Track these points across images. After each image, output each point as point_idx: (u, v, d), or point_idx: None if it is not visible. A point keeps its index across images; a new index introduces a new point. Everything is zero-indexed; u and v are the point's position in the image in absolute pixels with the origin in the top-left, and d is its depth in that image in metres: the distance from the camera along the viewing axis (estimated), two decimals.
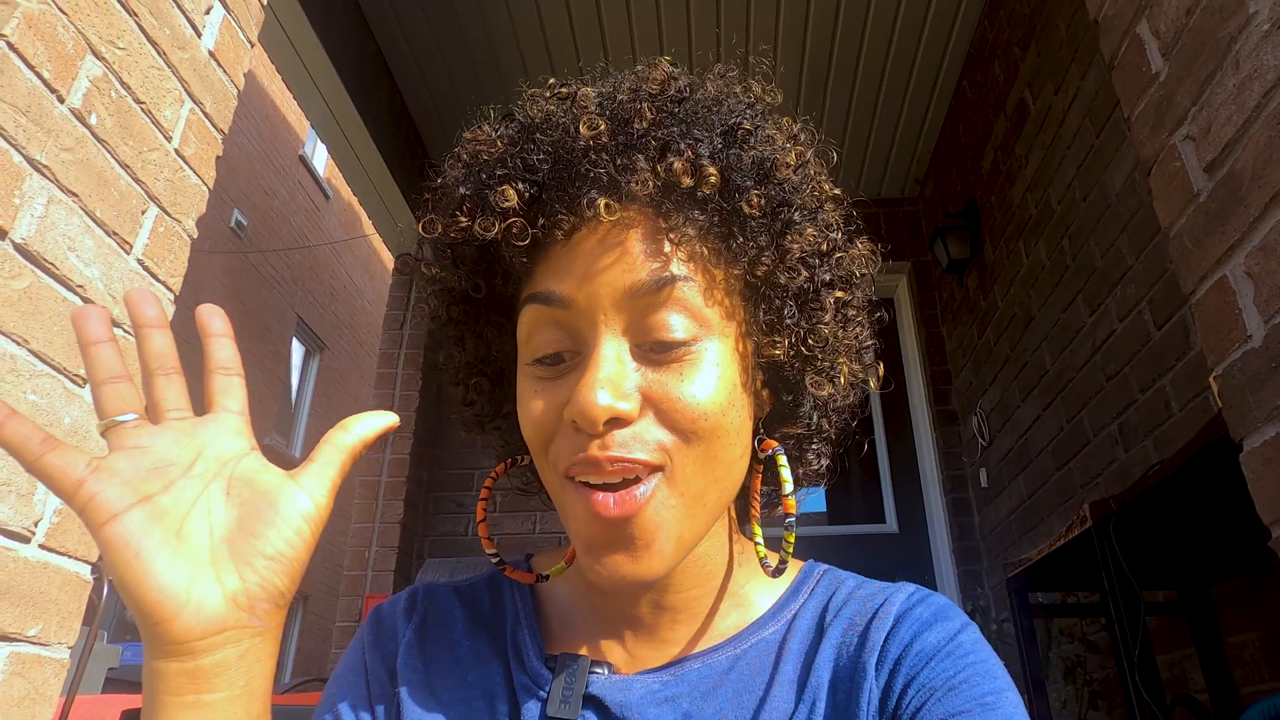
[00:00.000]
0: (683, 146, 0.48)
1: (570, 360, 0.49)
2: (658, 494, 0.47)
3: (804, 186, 0.52)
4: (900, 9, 3.28)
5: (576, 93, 0.52)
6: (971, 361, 3.60)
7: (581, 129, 0.48)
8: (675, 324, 0.47)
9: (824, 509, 3.86)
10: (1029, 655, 2.00)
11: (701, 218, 0.48)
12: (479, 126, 0.54)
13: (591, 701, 0.51)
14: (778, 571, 0.53)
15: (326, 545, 10.48)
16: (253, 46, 1.47)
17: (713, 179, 0.47)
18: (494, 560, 0.56)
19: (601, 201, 0.46)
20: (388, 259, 4.08)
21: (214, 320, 0.46)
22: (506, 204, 0.48)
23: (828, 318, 0.53)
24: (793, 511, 0.52)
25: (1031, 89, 2.92)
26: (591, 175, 0.47)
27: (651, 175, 0.47)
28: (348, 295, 11.45)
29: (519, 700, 0.52)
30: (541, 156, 0.49)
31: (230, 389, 0.45)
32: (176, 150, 1.26)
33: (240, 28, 1.43)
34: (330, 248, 10.91)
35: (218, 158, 1.37)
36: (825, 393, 0.54)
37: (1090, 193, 2.50)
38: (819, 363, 0.53)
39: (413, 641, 0.56)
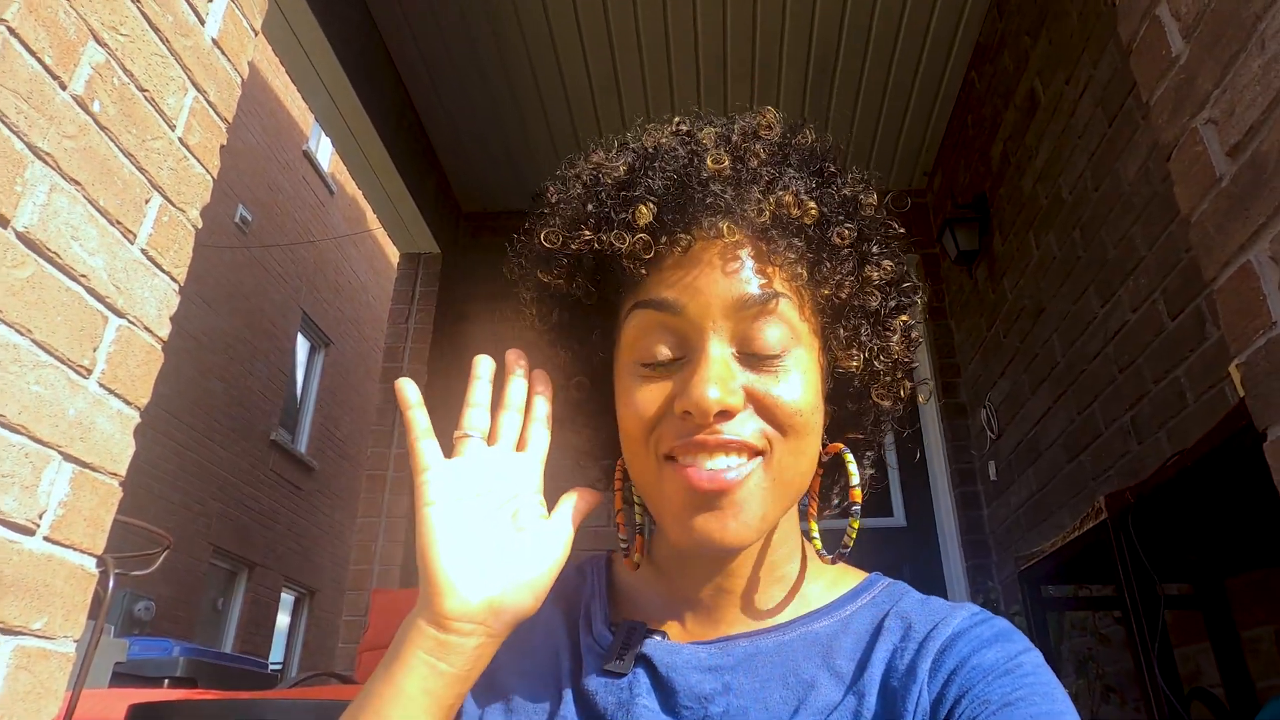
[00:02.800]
0: (788, 182, 0.56)
1: (677, 362, 0.55)
2: (754, 475, 0.54)
3: (880, 224, 0.61)
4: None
5: (697, 131, 0.61)
6: (980, 354, 3.57)
7: (709, 162, 0.56)
8: (774, 334, 0.54)
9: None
10: (1041, 649, 1.98)
11: (800, 244, 0.56)
12: (594, 152, 0.63)
13: (642, 660, 0.57)
14: (835, 559, 0.60)
15: (334, 540, 10.50)
16: (256, 35, 1.46)
17: (813, 212, 0.56)
18: (623, 546, 0.64)
19: (724, 224, 0.54)
20: (393, 254, 4.07)
21: (538, 382, 0.61)
22: (640, 220, 0.55)
23: (895, 338, 0.61)
24: (859, 500, 0.58)
25: (1042, 78, 2.89)
26: (712, 202, 0.55)
27: (765, 205, 0.55)
28: (352, 291, 11.45)
29: (582, 656, 0.60)
30: (664, 182, 0.56)
31: (540, 439, 0.59)
32: (180, 139, 1.25)
33: (244, 16, 1.41)
34: (335, 243, 10.90)
35: (222, 147, 1.36)
36: (887, 404, 0.62)
37: (1102, 183, 2.47)
38: (885, 377, 0.61)
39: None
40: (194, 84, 1.28)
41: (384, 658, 0.52)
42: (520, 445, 0.58)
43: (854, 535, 0.58)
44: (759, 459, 0.53)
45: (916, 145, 4.06)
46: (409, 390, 0.56)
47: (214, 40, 1.33)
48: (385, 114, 3.54)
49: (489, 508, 0.54)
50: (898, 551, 3.69)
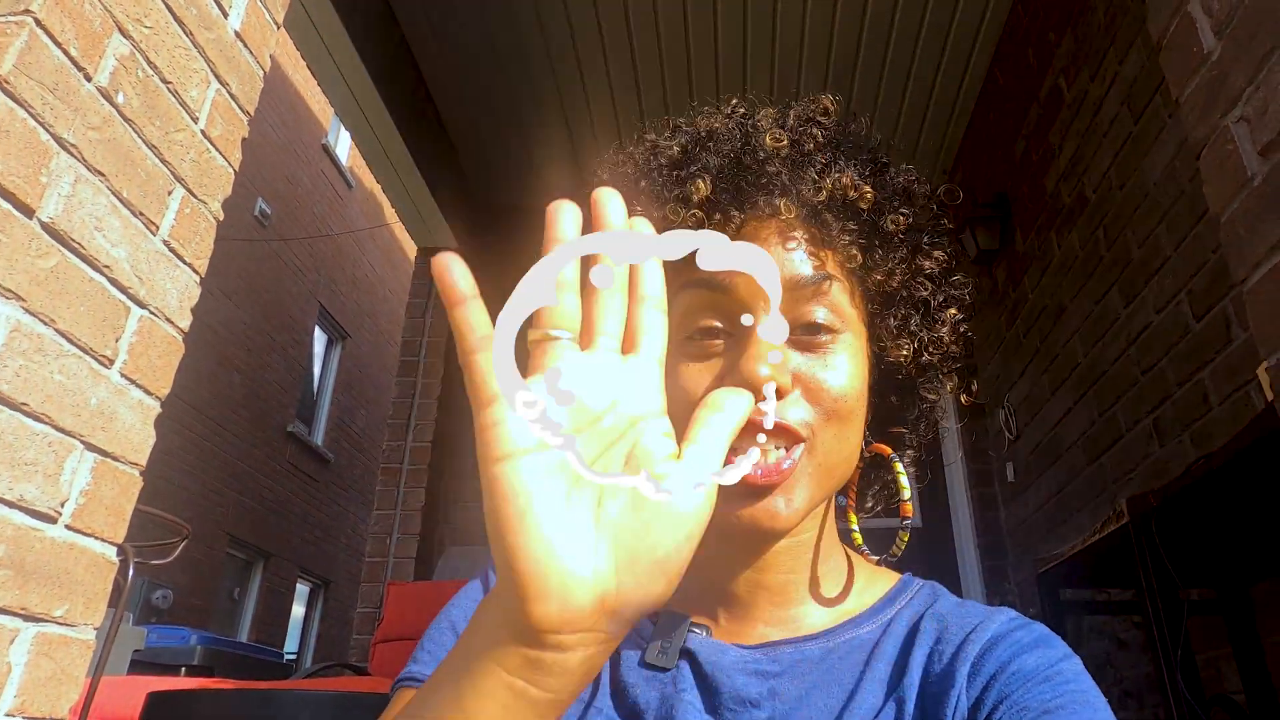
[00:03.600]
0: (844, 165, 0.56)
1: (725, 340, 0.54)
2: (801, 462, 0.52)
3: (933, 215, 0.61)
4: None
5: (753, 113, 0.60)
6: (1000, 354, 3.54)
7: (767, 140, 0.56)
8: (824, 315, 0.54)
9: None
10: None
11: (854, 227, 0.55)
12: (647, 133, 0.61)
13: (687, 655, 0.54)
14: (882, 562, 0.59)
15: (349, 532, 10.58)
16: (279, 28, 1.46)
17: (869, 195, 0.55)
18: None
19: (781, 202, 0.53)
20: (410, 248, 4.09)
21: (644, 240, 0.36)
22: (696, 195, 0.54)
23: (946, 330, 0.60)
24: (910, 515, 0.58)
25: (1066, 75, 2.85)
26: (768, 181, 0.54)
27: (822, 185, 0.55)
28: (369, 284, 11.51)
29: (620, 648, 0.55)
30: (720, 160, 0.56)
31: (656, 329, 0.40)
32: (203, 131, 1.25)
33: (267, 9, 1.41)
34: (352, 237, 10.96)
35: (243, 140, 1.36)
36: (932, 398, 0.61)
37: (1127, 181, 2.44)
38: (932, 370, 0.60)
39: None
40: (217, 76, 1.28)
41: (445, 670, 0.37)
42: (629, 344, 0.40)
43: (902, 546, 0.58)
44: (801, 445, 0.52)
45: (937, 143, 4.03)
46: (456, 274, 0.34)
47: (237, 33, 1.33)
48: (404, 108, 3.55)
49: (595, 450, 0.37)
50: (913, 551, 3.66)
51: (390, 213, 9.10)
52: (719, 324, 0.54)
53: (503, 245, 4.50)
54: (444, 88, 3.83)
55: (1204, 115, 1.13)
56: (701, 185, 0.54)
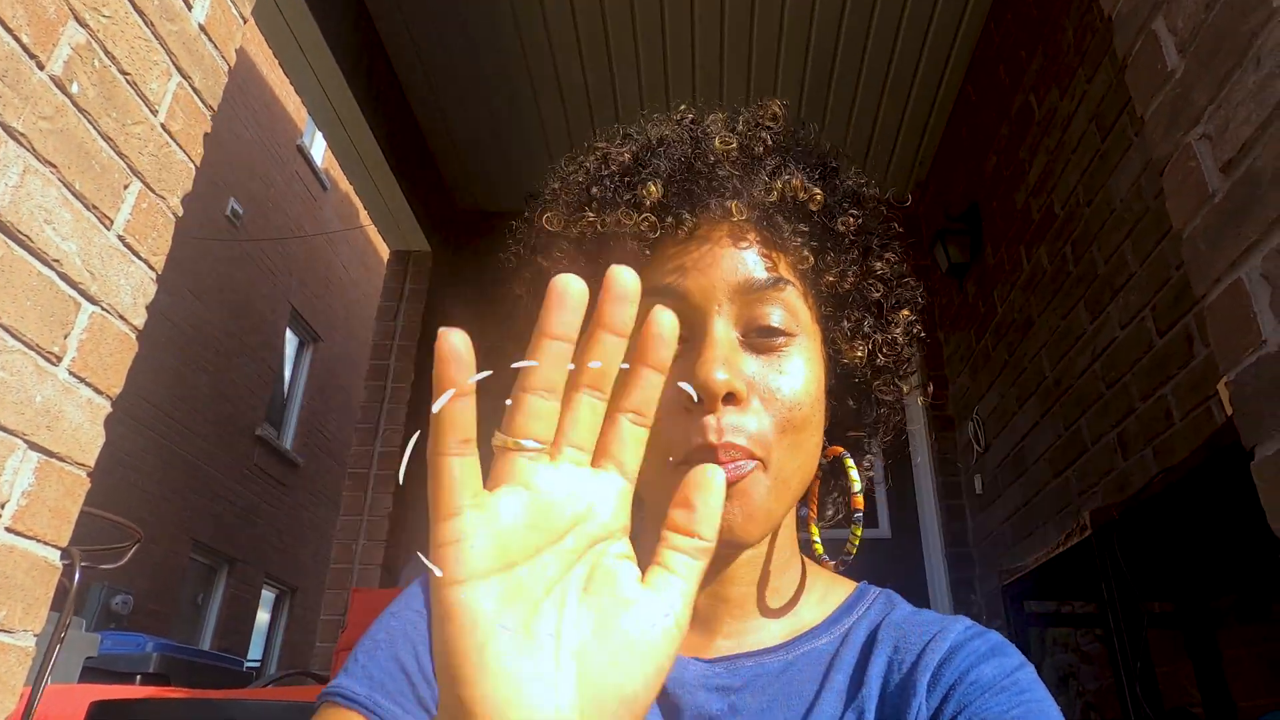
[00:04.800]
0: (793, 168, 0.57)
1: (682, 346, 0.52)
2: (755, 473, 0.51)
3: (882, 218, 0.62)
4: (905, 10, 3.26)
5: (702, 119, 0.60)
6: (969, 367, 3.57)
7: (716, 143, 0.56)
8: (778, 316, 0.53)
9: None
10: None
11: (805, 229, 0.56)
12: (597, 142, 0.61)
13: None
14: (838, 566, 0.59)
15: (317, 538, 10.42)
16: (245, 22, 1.43)
17: (818, 197, 0.56)
18: None
19: (732, 204, 0.54)
20: (382, 251, 4.06)
21: (661, 331, 0.36)
22: (647, 199, 0.54)
23: (899, 331, 0.61)
24: (860, 507, 0.57)
25: (1036, 92, 2.89)
26: (718, 184, 0.55)
27: (772, 186, 0.55)
28: (342, 287, 11.39)
29: None
30: (671, 165, 0.56)
31: (634, 444, 0.36)
32: (162, 125, 1.22)
33: (233, 2, 1.39)
34: (326, 239, 10.84)
35: (206, 135, 1.34)
36: (889, 399, 0.61)
37: (1094, 198, 2.48)
38: (887, 372, 0.61)
39: None
40: (179, 69, 1.26)
41: None
42: (601, 454, 0.36)
43: (856, 543, 0.58)
44: (755, 463, 0.52)
45: (910, 157, 4.07)
46: (462, 360, 0.32)
47: (201, 26, 1.31)
48: (379, 110, 3.51)
49: (549, 573, 0.33)
50: (882, 563, 3.68)
51: (365, 215, 9.04)
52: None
53: (477, 249, 4.48)
54: (420, 90, 3.80)
55: (1167, 132, 1.14)
56: (653, 189, 0.54)
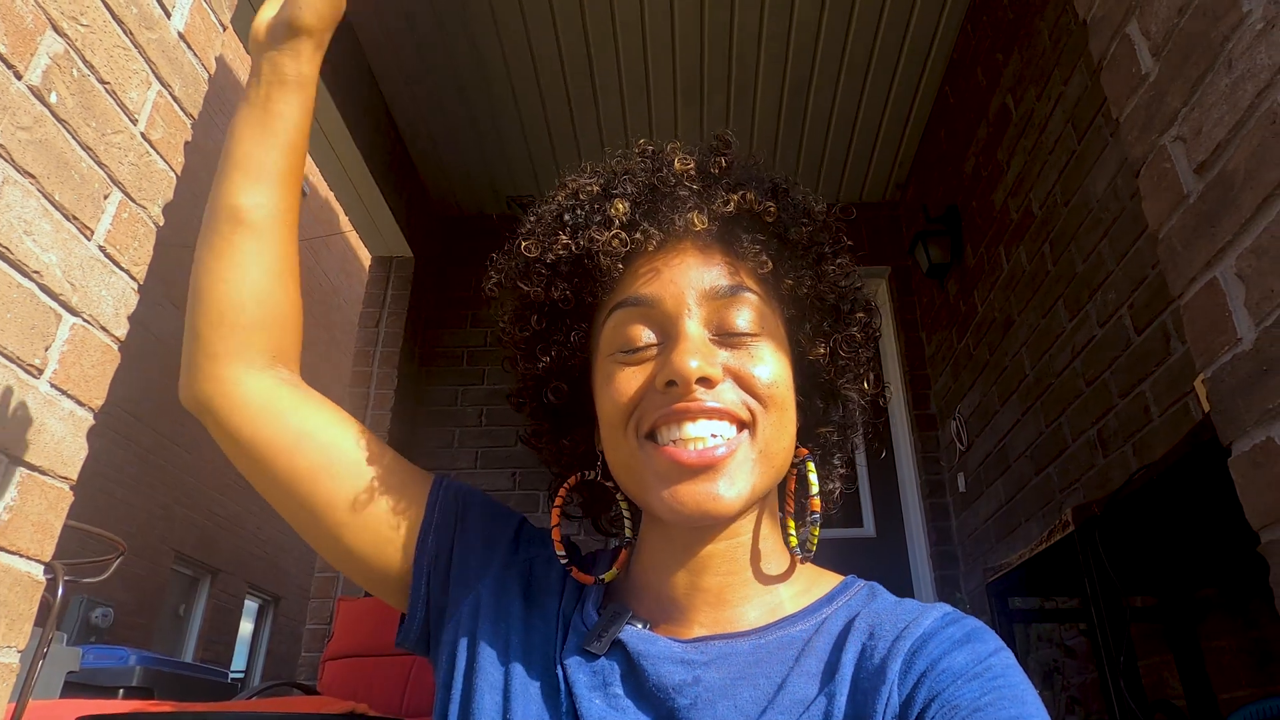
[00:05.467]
0: (748, 186, 0.62)
1: (656, 346, 0.59)
2: (741, 447, 0.56)
3: (831, 227, 0.67)
4: (883, 14, 3.28)
5: (663, 148, 0.66)
6: (951, 366, 3.60)
7: (676, 164, 0.62)
8: (744, 319, 0.59)
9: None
10: None
11: (762, 238, 0.61)
12: (567, 178, 0.67)
13: (618, 645, 0.58)
14: (805, 554, 0.61)
15: (302, 547, 10.33)
16: (225, 30, 1.43)
17: (773, 209, 0.62)
18: (564, 563, 0.64)
19: (694, 215, 0.60)
20: (364, 257, 4.04)
21: None
22: (617, 215, 0.60)
23: (856, 330, 0.66)
24: (818, 510, 0.61)
25: (1014, 94, 2.93)
26: (682, 199, 0.60)
27: (731, 198, 0.61)
28: (324, 293, 11.31)
29: (570, 632, 0.60)
30: (635, 189, 0.62)
31: None
32: (142, 134, 1.21)
33: (212, 10, 1.38)
34: (307, 245, 10.76)
35: (187, 144, 1.33)
36: (853, 395, 0.66)
37: (1072, 198, 2.51)
38: (849, 369, 0.65)
39: (528, 568, 0.66)
40: (158, 78, 1.25)
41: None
42: None
43: (814, 543, 0.61)
44: (745, 431, 0.57)
45: (890, 159, 4.10)
46: None
47: (180, 34, 1.30)
48: (360, 117, 3.50)
49: None
50: (867, 562, 3.70)
51: (345, 221, 8.97)
52: (648, 332, 0.59)
53: (460, 255, 4.47)
54: (400, 96, 3.79)
55: (1142, 134, 1.16)
56: (621, 206, 0.60)
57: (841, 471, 0.69)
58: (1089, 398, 2.42)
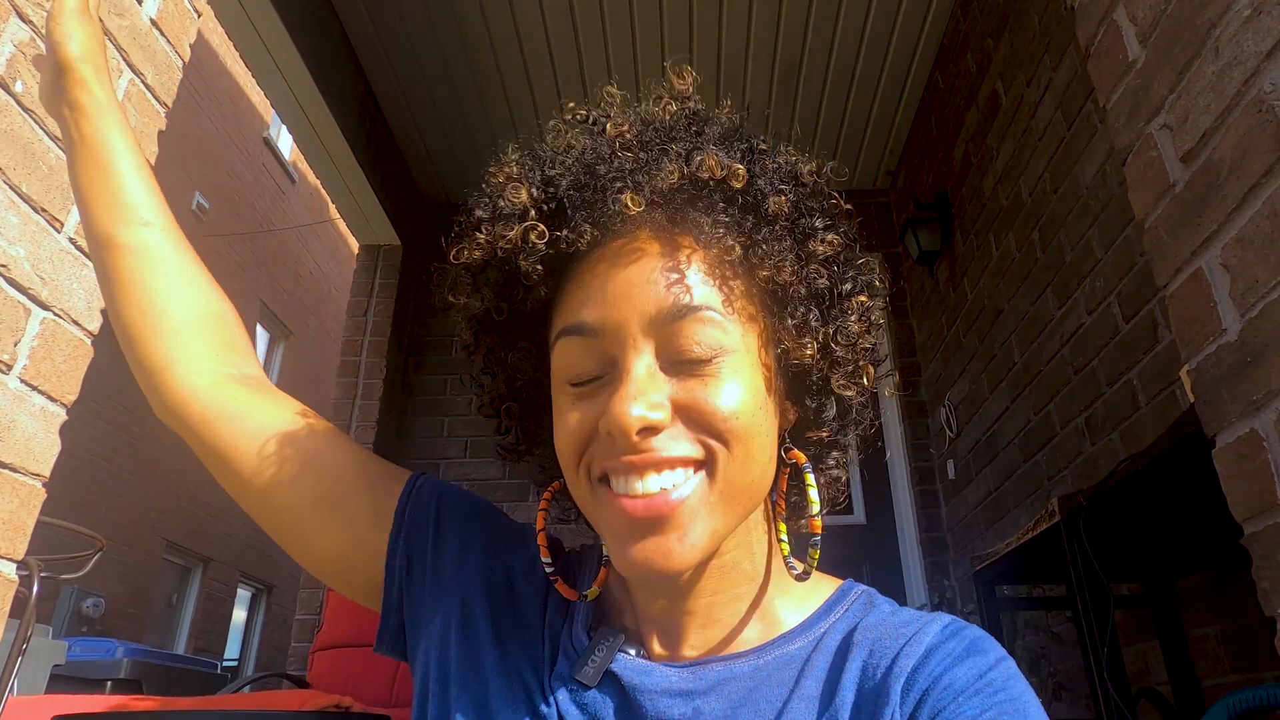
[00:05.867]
0: (711, 149, 0.50)
1: (605, 378, 0.51)
2: (696, 491, 0.49)
3: (821, 194, 0.55)
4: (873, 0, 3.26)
5: (602, 115, 0.55)
6: (941, 353, 3.60)
7: (608, 128, 0.52)
8: (700, 342, 0.49)
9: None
10: None
11: (727, 217, 0.50)
12: (513, 157, 0.57)
13: (611, 676, 0.54)
14: (802, 577, 0.55)
15: None
16: (199, 16, 1.40)
17: (740, 173, 0.50)
18: (549, 572, 0.58)
19: (627, 196, 0.48)
20: (353, 244, 4.02)
21: None
22: (518, 203, 0.50)
23: (853, 319, 0.55)
24: (818, 531, 0.54)
25: (1003, 80, 2.91)
26: (614, 174, 0.49)
27: (678, 170, 0.49)
28: (313, 281, 11.25)
29: (558, 656, 0.56)
30: (560, 170, 0.51)
31: None
32: None
33: None
34: (295, 232, 10.70)
35: (162, 132, 1.30)
36: (850, 394, 0.56)
37: (1061, 185, 2.50)
38: (845, 365, 0.55)
39: (519, 573, 0.62)
40: (130, 65, 1.22)
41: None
42: None
43: (814, 563, 0.55)
44: (701, 472, 0.50)
45: (881, 145, 4.08)
46: None
47: (152, 20, 1.27)
48: (345, 104, 3.46)
49: None
50: (857, 549, 3.71)
51: (333, 208, 8.92)
52: (593, 365, 0.51)
53: (447, 243, 4.43)
54: (386, 82, 3.75)
55: (1129, 122, 1.15)
56: (524, 195, 0.52)
57: (835, 472, 0.62)
58: (1077, 386, 2.42)
